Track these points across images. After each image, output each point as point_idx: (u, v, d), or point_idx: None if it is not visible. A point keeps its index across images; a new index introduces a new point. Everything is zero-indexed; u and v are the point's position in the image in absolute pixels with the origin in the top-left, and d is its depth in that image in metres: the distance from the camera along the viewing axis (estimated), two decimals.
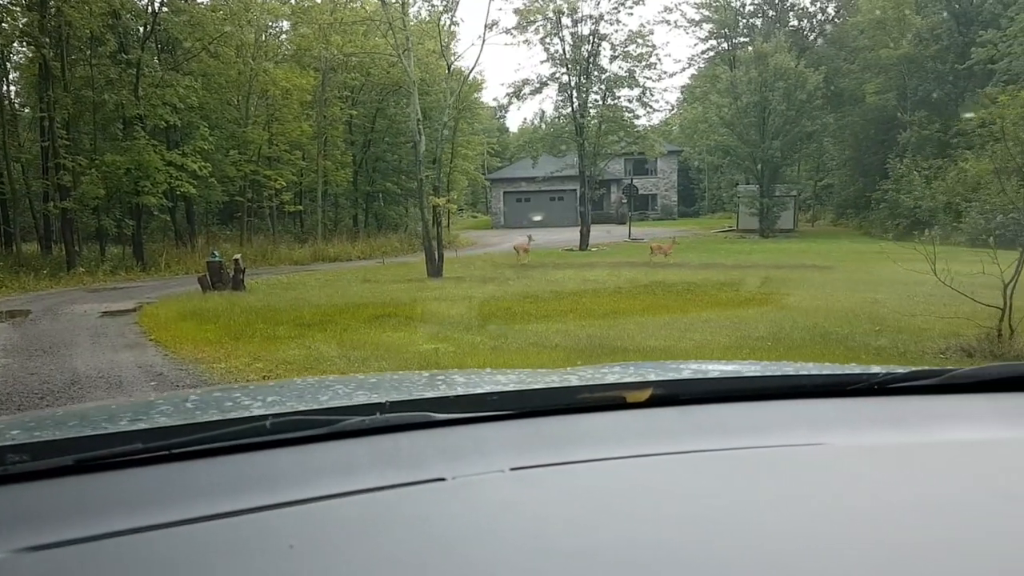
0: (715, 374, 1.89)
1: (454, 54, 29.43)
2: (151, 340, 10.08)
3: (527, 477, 1.08)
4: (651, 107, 35.11)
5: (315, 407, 1.32)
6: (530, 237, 25.03)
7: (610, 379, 1.65)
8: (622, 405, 1.37)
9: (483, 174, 53.53)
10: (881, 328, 9.50)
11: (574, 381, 1.62)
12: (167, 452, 1.07)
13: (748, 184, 41.95)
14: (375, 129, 36.60)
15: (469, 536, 0.91)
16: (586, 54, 33.19)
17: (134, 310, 13.75)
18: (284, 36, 34.14)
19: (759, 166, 38.53)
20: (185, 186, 23.40)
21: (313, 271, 22.30)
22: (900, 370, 1.57)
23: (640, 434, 1.29)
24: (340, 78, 31.57)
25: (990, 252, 7.78)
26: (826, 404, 1.48)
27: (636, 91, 34.14)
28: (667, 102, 79.33)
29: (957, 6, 38.95)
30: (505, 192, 52.13)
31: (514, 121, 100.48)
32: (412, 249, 32.65)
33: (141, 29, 25.97)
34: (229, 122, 28.06)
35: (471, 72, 33.07)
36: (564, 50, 33.02)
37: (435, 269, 19.32)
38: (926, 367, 1.63)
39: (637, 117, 34.81)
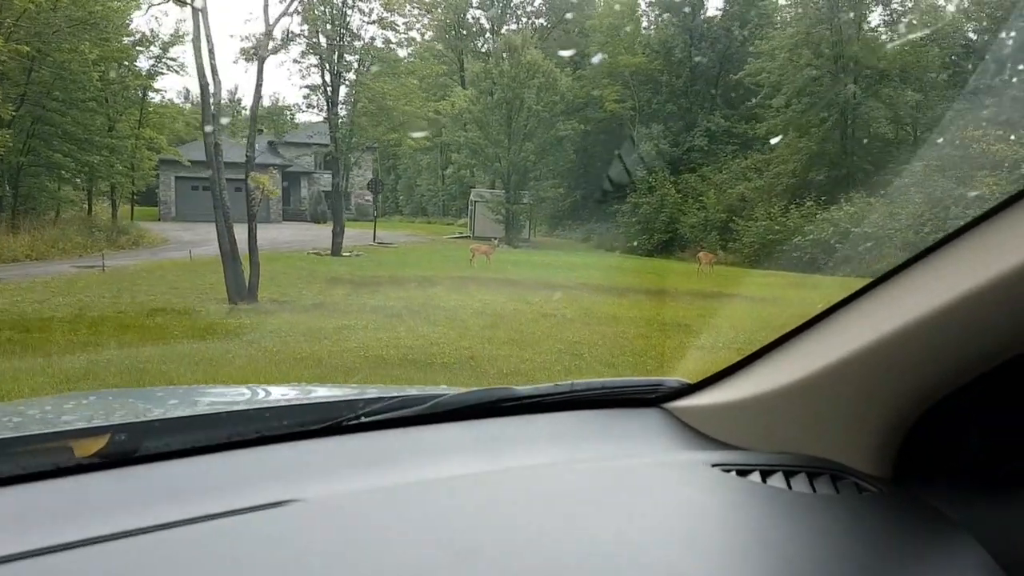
0: (205, 407, 1.61)
1: None
2: None
3: None
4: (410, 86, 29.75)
5: None
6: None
7: (65, 419, 1.37)
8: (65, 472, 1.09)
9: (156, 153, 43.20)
10: None
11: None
12: None
13: (490, 187, 38.38)
14: (33, 80, 26.40)
15: None
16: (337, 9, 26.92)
17: None
18: None
19: (508, 169, 35.12)
20: None
21: None
22: (390, 395, 1.45)
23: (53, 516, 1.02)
24: None
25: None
26: (304, 448, 1.30)
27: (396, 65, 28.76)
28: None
29: (691, 21, 39.11)
30: (177, 177, 42.30)
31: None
32: (95, 246, 23.81)
33: None
34: None
35: None
36: None
37: (244, 289, 12.29)
38: (413, 393, 1.46)
39: (395, 99, 29.23)
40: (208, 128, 12.73)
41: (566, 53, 39.41)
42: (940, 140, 26.21)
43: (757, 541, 1.14)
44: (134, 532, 0.97)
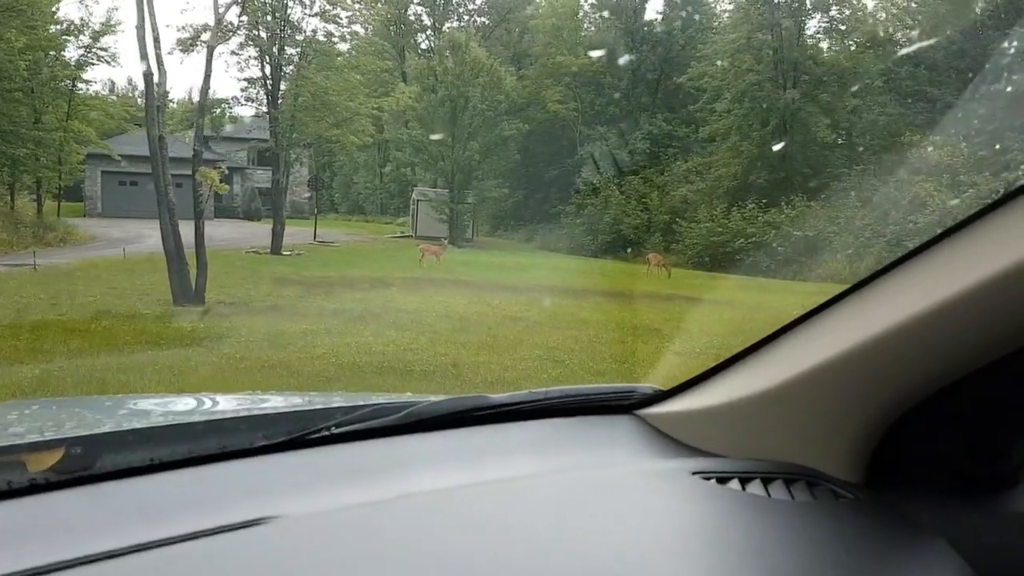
0: (160, 419, 1.52)
1: None
2: None
3: None
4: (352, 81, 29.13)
5: None
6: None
7: (13, 431, 1.25)
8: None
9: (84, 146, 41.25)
10: None
11: None
12: None
13: (432, 186, 37.92)
14: None
15: None
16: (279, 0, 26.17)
17: None
18: None
19: (452, 168, 34.77)
20: None
21: None
22: (356, 403, 1.42)
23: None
24: None
25: None
26: (274, 462, 1.24)
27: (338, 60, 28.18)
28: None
29: (633, 23, 39.32)
30: (104, 172, 40.46)
31: None
32: (22, 243, 22.66)
33: None
34: None
35: None
36: None
37: (190, 290, 11.73)
38: (383, 402, 1.42)
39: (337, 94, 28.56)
40: (152, 120, 12.10)
41: None
42: (876, 144, 26.89)
43: (740, 549, 1.14)
44: (103, 556, 0.90)
